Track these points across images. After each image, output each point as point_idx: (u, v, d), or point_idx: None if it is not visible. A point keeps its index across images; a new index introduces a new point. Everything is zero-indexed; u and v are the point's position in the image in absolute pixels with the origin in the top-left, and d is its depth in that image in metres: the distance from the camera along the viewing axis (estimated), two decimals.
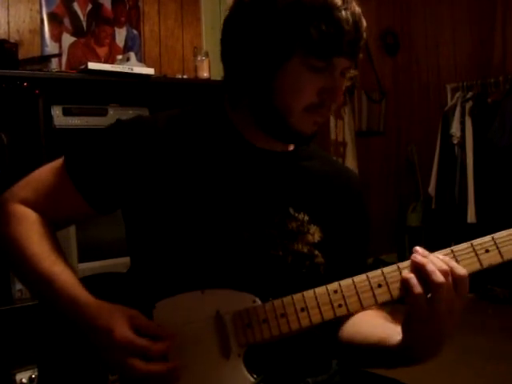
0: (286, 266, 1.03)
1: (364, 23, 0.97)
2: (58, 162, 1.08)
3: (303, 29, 0.93)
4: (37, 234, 1.03)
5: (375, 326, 1.03)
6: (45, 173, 1.09)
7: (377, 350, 0.99)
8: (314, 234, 1.06)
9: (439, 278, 0.86)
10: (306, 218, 1.06)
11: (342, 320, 1.10)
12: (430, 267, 0.87)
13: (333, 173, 1.15)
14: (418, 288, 0.87)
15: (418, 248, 0.91)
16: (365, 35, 0.97)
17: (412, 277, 0.88)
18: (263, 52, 0.97)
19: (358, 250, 1.16)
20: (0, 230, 1.06)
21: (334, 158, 1.23)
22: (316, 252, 1.05)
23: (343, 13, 0.93)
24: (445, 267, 0.87)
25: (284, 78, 0.97)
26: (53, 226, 1.08)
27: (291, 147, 1.12)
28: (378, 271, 0.92)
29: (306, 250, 1.04)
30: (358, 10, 0.96)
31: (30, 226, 1.03)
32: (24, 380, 2.22)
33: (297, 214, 1.05)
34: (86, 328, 0.94)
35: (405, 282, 0.89)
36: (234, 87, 1.06)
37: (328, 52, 0.94)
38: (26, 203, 1.06)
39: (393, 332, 0.96)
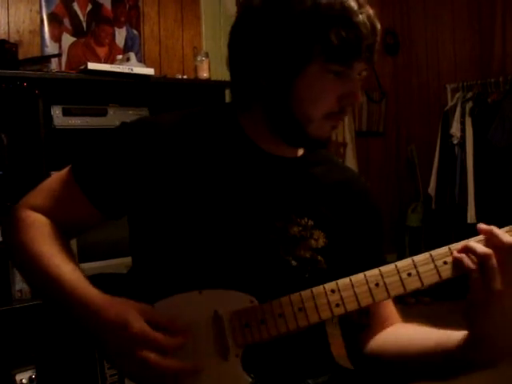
0: (289, 270, 1.02)
1: (378, 25, 0.97)
2: (66, 169, 1.09)
3: (323, 35, 0.92)
4: (46, 236, 1.03)
5: (426, 332, 1.01)
6: (54, 180, 1.09)
7: (435, 356, 0.96)
8: (318, 239, 1.05)
9: (483, 249, 0.87)
10: (311, 222, 1.05)
11: (365, 339, 1.10)
12: (474, 243, 0.89)
13: (342, 179, 1.14)
14: (470, 264, 0.88)
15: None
16: (379, 38, 0.97)
17: (463, 256, 0.89)
18: (280, 59, 0.96)
19: (367, 259, 1.12)
20: (11, 235, 1.07)
21: (344, 164, 1.22)
22: (319, 257, 1.04)
23: (360, 17, 0.92)
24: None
25: (303, 85, 0.96)
26: (64, 233, 1.08)
27: (301, 152, 1.11)
28: (376, 270, 0.92)
29: (308, 256, 1.03)
30: (371, 12, 0.96)
31: (39, 230, 1.04)
32: (24, 380, 2.22)
33: (299, 220, 1.04)
34: (98, 324, 0.92)
35: (458, 263, 0.89)
36: (243, 92, 1.05)
37: (349, 57, 0.93)
38: (37, 209, 1.06)
39: (450, 334, 0.95)
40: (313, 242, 1.04)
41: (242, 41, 1.00)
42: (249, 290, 0.96)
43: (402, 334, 1.07)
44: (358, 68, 0.97)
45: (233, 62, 1.04)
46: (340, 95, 0.97)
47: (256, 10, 0.98)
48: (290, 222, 1.04)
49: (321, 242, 1.05)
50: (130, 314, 0.91)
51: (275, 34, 0.95)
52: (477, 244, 0.90)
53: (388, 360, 1.06)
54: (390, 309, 1.11)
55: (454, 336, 0.95)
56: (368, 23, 0.93)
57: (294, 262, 1.02)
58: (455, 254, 0.90)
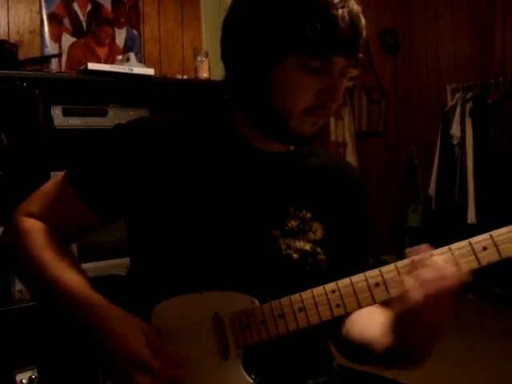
0: (290, 265, 1.02)
1: (362, 21, 0.95)
2: (63, 173, 1.09)
3: (297, 27, 0.91)
4: (46, 243, 1.03)
5: (370, 324, 1.02)
6: (50, 186, 1.09)
7: (372, 350, 0.98)
8: (317, 231, 1.05)
9: (430, 288, 0.84)
10: (309, 215, 1.06)
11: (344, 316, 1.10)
12: (426, 275, 0.85)
13: (335, 168, 1.14)
14: (417, 295, 0.85)
15: (423, 247, 0.90)
16: (364, 33, 0.95)
17: (413, 287, 0.86)
18: (258, 52, 0.95)
19: (360, 246, 1.15)
20: (9, 243, 1.07)
21: (334, 154, 1.22)
22: (318, 249, 1.05)
23: (339, 11, 0.90)
24: (438, 274, 0.85)
25: (281, 78, 0.96)
26: (63, 238, 1.08)
27: (292, 146, 1.11)
28: (376, 271, 0.92)
29: (308, 248, 1.04)
30: (356, 8, 0.94)
31: (37, 236, 1.03)
32: (24, 381, 2.22)
33: (297, 213, 1.05)
34: (101, 334, 0.93)
35: (404, 291, 0.87)
36: (233, 88, 1.06)
37: (324, 50, 0.92)
38: (34, 216, 1.06)
39: (382, 334, 0.95)
40: (311, 234, 1.05)
41: (229, 35, 1.01)
42: (251, 287, 0.96)
43: (355, 319, 1.08)
44: (339, 64, 0.95)
45: (223, 57, 1.04)
46: (318, 90, 0.96)
47: (240, 4, 0.99)
48: (287, 216, 1.04)
49: (319, 234, 1.06)
50: (135, 334, 0.92)
51: (254, 27, 0.95)
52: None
53: (344, 340, 1.07)
54: None
55: (383, 337, 0.94)
56: (347, 17, 0.91)
57: (294, 256, 1.02)
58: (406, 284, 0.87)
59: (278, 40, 0.93)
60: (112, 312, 0.94)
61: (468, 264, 0.90)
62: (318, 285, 0.95)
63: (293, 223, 1.04)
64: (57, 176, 1.10)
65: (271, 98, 0.98)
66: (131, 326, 0.93)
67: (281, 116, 0.98)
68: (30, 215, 1.06)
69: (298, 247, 1.03)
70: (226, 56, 1.03)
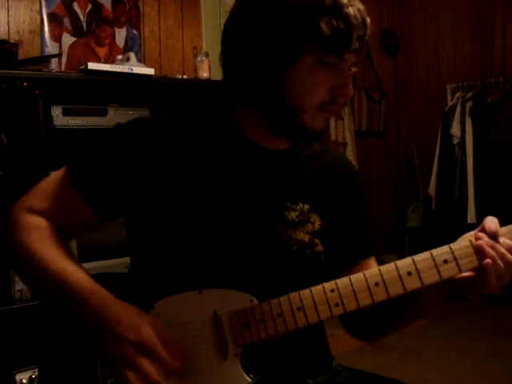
0: (291, 256, 1.03)
1: (368, 19, 0.99)
2: (63, 169, 1.09)
3: (313, 25, 0.94)
4: (46, 238, 1.03)
5: None
6: (50, 181, 1.09)
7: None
8: (315, 223, 1.07)
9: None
10: (307, 206, 1.07)
11: None
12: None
13: (329, 161, 1.17)
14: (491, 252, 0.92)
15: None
16: (369, 31, 0.99)
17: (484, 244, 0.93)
18: (272, 50, 0.97)
19: (358, 235, 1.17)
20: (10, 238, 1.06)
21: (328, 148, 1.24)
22: (316, 240, 1.06)
23: (350, 9, 0.94)
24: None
25: (296, 76, 0.97)
26: (63, 235, 1.08)
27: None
28: (376, 269, 0.92)
29: (307, 239, 1.05)
30: (362, 7, 0.98)
31: (38, 232, 1.04)
32: (24, 380, 2.22)
33: (294, 206, 1.06)
34: (108, 324, 0.92)
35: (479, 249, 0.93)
36: (236, 87, 1.06)
37: (340, 47, 0.95)
38: (34, 212, 1.06)
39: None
40: (310, 225, 1.06)
41: (236, 33, 1.02)
42: (252, 282, 0.97)
43: None
44: (349, 60, 0.98)
45: (227, 55, 1.05)
46: (331, 86, 0.98)
47: (249, 3, 0.99)
48: (285, 209, 1.05)
49: (317, 226, 1.07)
50: (143, 322, 0.92)
51: (267, 26, 0.97)
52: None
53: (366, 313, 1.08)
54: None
55: None
56: (358, 15, 0.95)
57: (294, 247, 1.03)
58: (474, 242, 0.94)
59: (294, 39, 0.95)
60: (119, 302, 0.95)
61: (470, 264, 0.93)
62: (318, 276, 0.96)
63: (292, 215, 1.05)
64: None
65: (285, 95, 0.99)
66: (140, 316, 0.93)
67: (294, 112, 1.00)
68: (31, 211, 1.06)
69: (298, 238, 1.04)
70: (230, 56, 1.04)
